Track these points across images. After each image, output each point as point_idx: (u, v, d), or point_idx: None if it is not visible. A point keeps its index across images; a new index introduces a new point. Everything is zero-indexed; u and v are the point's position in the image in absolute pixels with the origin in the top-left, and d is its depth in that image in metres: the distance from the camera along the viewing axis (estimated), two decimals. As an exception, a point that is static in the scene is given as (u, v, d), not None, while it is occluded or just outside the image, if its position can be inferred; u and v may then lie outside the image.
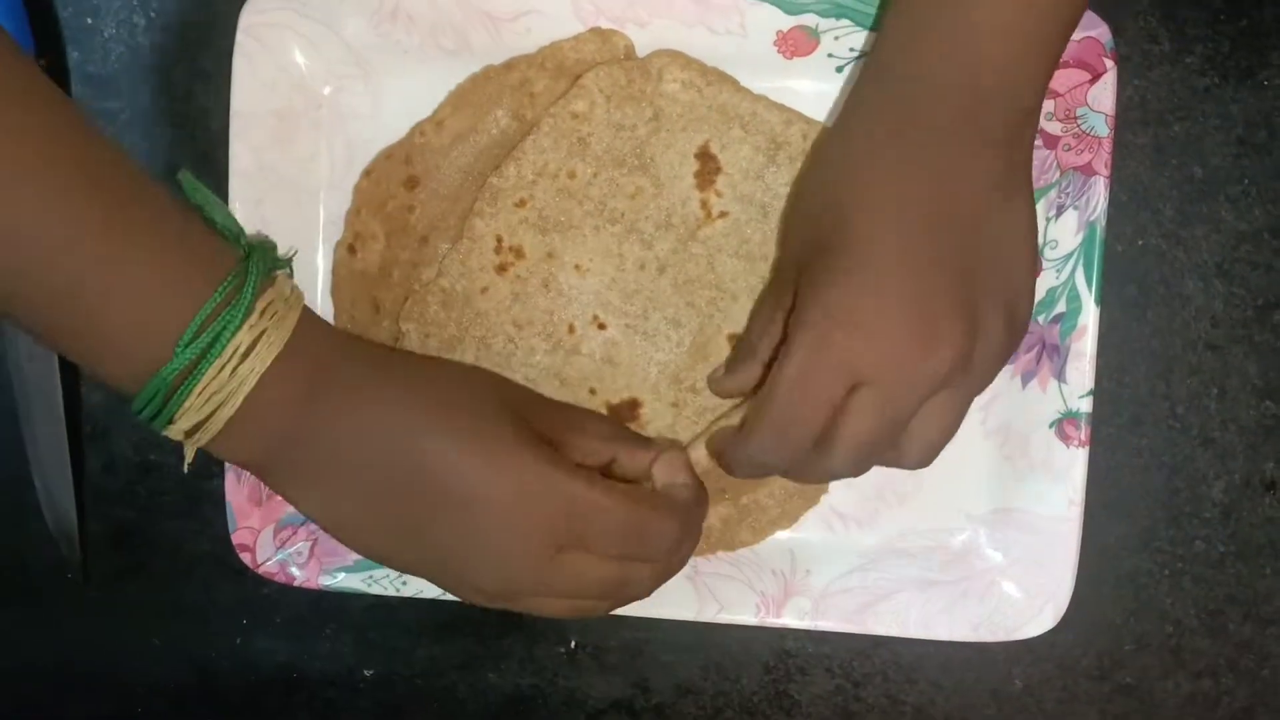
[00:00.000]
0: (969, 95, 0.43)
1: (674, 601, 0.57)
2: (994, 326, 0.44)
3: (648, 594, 0.50)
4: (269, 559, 0.59)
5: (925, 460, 0.46)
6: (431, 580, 0.49)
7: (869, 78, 0.47)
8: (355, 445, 0.46)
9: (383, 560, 0.50)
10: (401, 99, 0.57)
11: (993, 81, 0.44)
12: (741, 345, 0.52)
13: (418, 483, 0.46)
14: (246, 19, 0.56)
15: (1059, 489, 0.54)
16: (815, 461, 0.45)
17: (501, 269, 0.55)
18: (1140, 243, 0.55)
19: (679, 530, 0.48)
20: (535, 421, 0.48)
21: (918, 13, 0.45)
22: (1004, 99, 0.44)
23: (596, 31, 0.55)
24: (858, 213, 0.43)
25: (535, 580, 0.47)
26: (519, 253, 0.55)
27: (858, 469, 0.46)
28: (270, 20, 0.56)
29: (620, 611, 0.57)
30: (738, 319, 0.54)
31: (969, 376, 0.44)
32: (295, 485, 0.47)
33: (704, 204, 0.54)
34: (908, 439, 0.45)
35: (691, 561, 0.57)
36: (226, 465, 0.58)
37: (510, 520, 0.46)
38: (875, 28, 0.53)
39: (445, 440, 0.46)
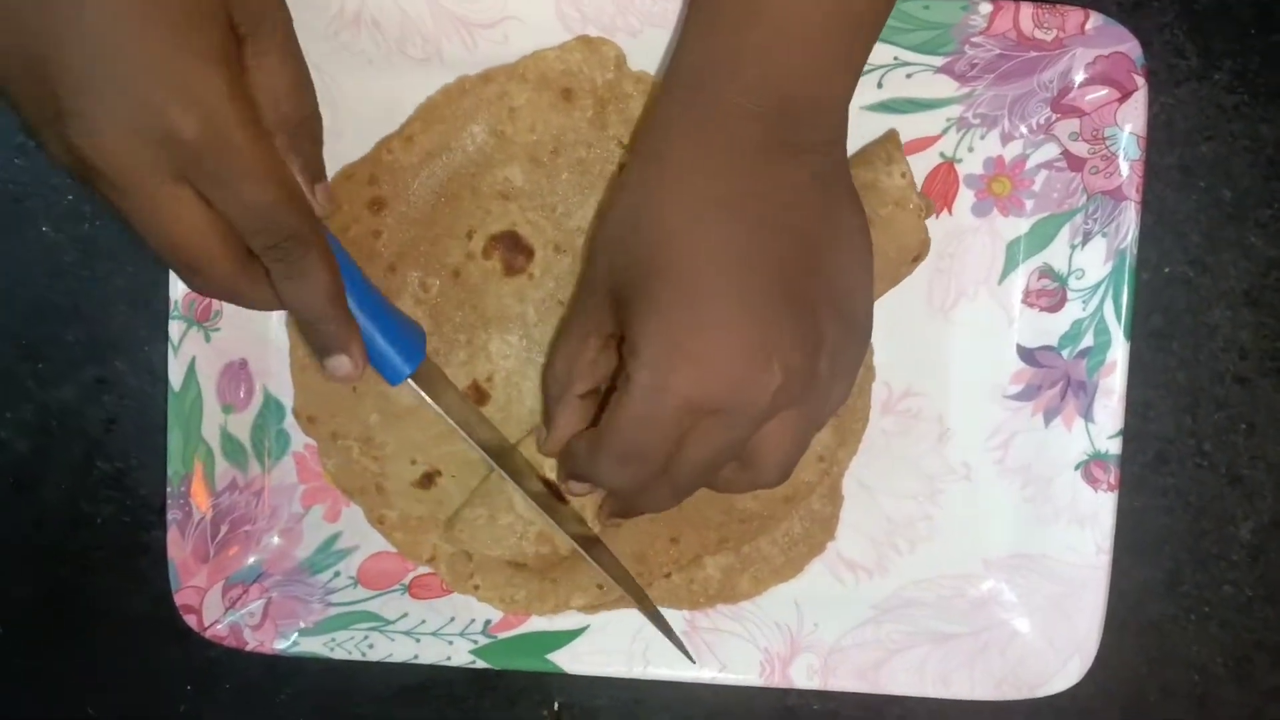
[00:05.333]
0: (778, 109, 0.41)
1: (670, 660, 0.53)
2: (836, 335, 0.43)
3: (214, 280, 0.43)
4: (218, 621, 0.53)
5: (784, 477, 0.45)
6: (30, 121, 0.41)
7: (672, 96, 0.44)
8: None
9: None
10: (364, 113, 0.52)
11: (801, 92, 0.42)
12: (550, 388, 0.48)
13: None
14: (190, 22, 0.50)
15: (1086, 535, 0.51)
16: (656, 482, 0.45)
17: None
18: (1166, 270, 0.52)
19: (301, 227, 0.43)
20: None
21: (717, 29, 0.42)
22: (814, 106, 0.42)
23: (584, 40, 0.50)
24: (678, 240, 0.41)
25: (138, 183, 0.40)
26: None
27: (694, 488, 0.45)
28: (217, 24, 0.50)
29: (610, 671, 0.53)
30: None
31: (815, 390, 0.43)
32: None
33: None
34: (760, 459, 0.44)
35: (689, 616, 0.53)
36: (169, 519, 0.52)
37: (140, 91, 0.38)
38: (886, 40, 0.49)
39: None
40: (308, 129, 0.46)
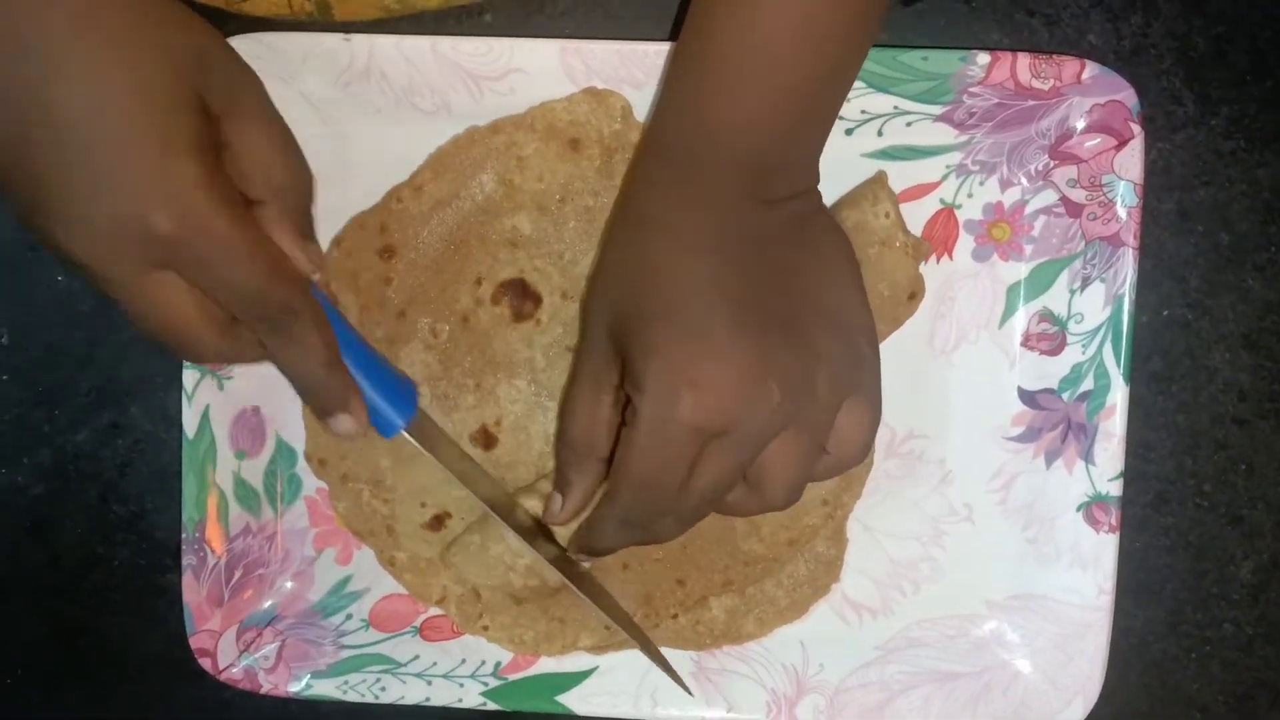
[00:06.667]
0: (752, 171, 0.44)
1: (678, 701, 0.53)
2: (830, 349, 0.44)
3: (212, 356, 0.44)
4: (232, 664, 0.54)
5: (792, 497, 0.46)
6: (20, 215, 0.42)
7: (651, 160, 0.46)
8: None
9: None
10: (373, 163, 0.53)
11: (774, 155, 0.44)
12: (566, 454, 0.48)
13: (30, 103, 0.39)
14: (203, 77, 0.51)
15: (1088, 576, 0.51)
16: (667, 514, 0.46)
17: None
18: (1165, 313, 0.53)
19: (289, 300, 0.44)
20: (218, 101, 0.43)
21: (695, 102, 0.44)
22: (787, 165, 0.45)
23: (590, 91, 0.51)
24: (668, 283, 0.43)
25: (121, 278, 0.41)
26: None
27: (701, 516, 0.46)
28: (229, 78, 0.51)
29: (618, 713, 0.53)
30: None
31: (814, 407, 0.44)
32: None
33: None
34: (767, 480, 0.45)
35: (696, 657, 0.54)
36: (184, 564, 0.53)
37: (115, 193, 0.39)
38: (885, 90, 0.50)
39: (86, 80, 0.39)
40: (299, 190, 0.46)
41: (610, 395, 0.46)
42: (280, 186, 0.45)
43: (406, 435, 0.49)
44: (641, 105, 0.51)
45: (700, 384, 0.42)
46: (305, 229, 0.47)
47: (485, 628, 0.54)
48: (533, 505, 0.51)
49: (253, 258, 0.42)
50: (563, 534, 0.51)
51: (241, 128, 0.44)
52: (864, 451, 0.46)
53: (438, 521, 0.54)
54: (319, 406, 0.47)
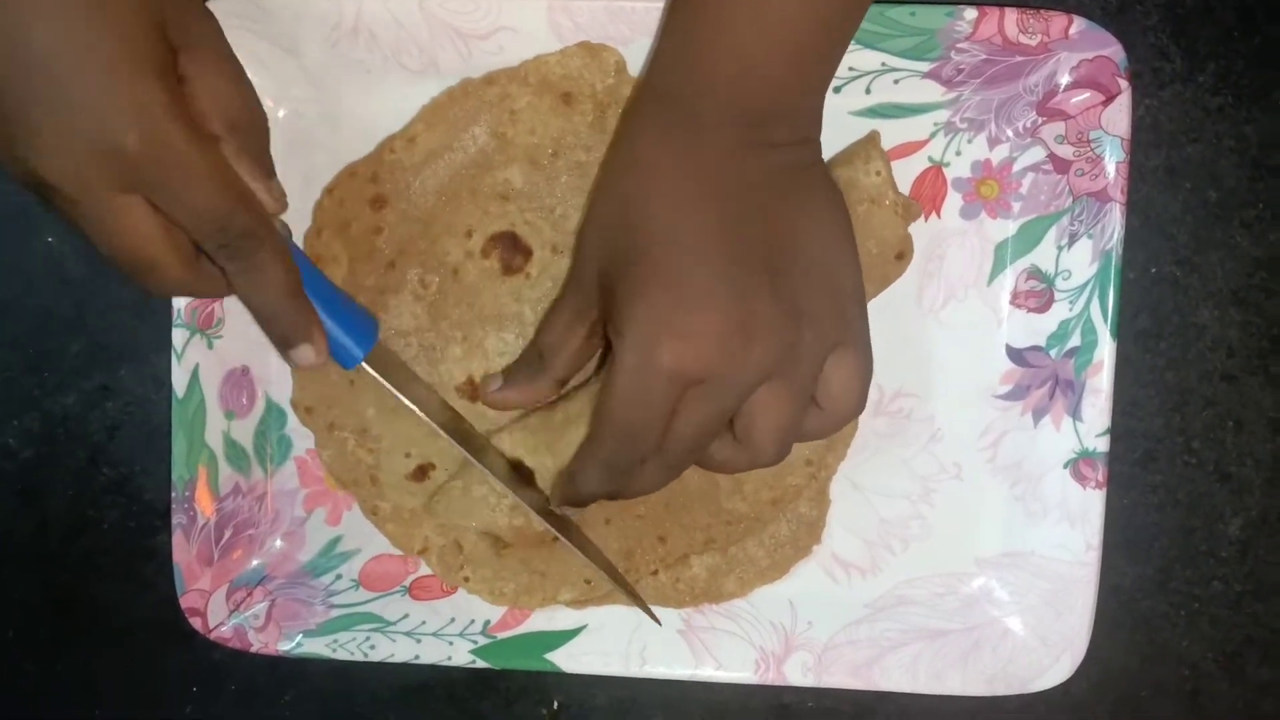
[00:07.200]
0: (748, 120, 0.44)
1: (666, 659, 0.53)
2: (814, 299, 0.44)
3: (169, 288, 0.44)
4: (222, 624, 0.54)
5: (781, 452, 0.45)
6: None
7: (648, 97, 0.47)
8: None
9: None
10: (362, 124, 0.53)
11: (771, 105, 0.44)
12: (530, 356, 0.51)
13: None
14: (191, 35, 0.51)
15: (1075, 533, 0.51)
16: (649, 463, 0.46)
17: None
18: (1153, 270, 0.53)
19: (253, 227, 0.44)
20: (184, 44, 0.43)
21: (689, 54, 0.44)
22: (784, 114, 0.45)
23: (585, 45, 0.51)
24: (656, 229, 0.43)
25: (89, 199, 0.41)
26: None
27: (684, 466, 0.46)
28: (217, 36, 0.51)
29: (607, 671, 0.53)
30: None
31: (800, 359, 0.44)
32: None
33: None
34: (754, 433, 0.45)
35: (685, 615, 0.54)
36: (174, 523, 0.53)
37: (84, 112, 0.40)
38: (873, 46, 0.50)
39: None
40: (255, 128, 0.46)
41: (585, 329, 0.47)
42: (238, 122, 0.45)
43: (366, 367, 0.49)
44: (629, 62, 0.51)
45: (679, 331, 0.42)
46: (266, 167, 0.47)
47: (466, 579, 0.54)
48: (504, 447, 0.51)
49: (216, 181, 0.42)
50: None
51: (199, 62, 0.44)
52: (859, 405, 0.46)
53: (421, 472, 0.54)
54: (280, 337, 0.47)
